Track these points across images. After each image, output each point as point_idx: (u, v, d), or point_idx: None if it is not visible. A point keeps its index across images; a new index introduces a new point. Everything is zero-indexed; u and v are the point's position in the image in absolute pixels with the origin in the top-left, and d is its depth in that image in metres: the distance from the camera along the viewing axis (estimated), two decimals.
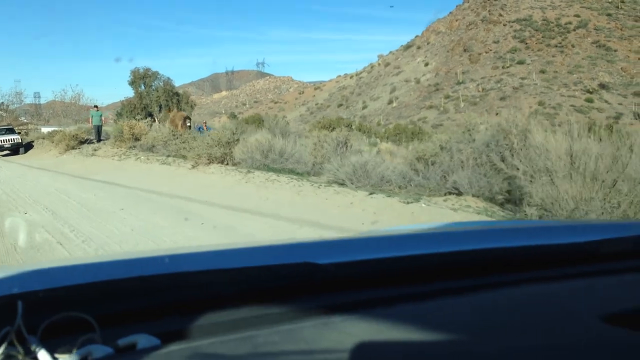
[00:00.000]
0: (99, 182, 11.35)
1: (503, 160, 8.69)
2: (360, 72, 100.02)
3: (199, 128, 17.70)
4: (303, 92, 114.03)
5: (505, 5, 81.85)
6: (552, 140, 6.37)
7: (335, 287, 0.85)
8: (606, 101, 55.56)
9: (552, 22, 73.36)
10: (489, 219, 6.59)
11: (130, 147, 16.66)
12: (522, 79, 64.23)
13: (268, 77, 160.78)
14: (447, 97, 67.59)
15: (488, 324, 0.76)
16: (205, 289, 0.80)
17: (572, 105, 54.89)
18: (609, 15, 70.62)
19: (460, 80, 70.48)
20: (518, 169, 8.65)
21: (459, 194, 8.22)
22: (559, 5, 76.54)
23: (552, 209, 5.87)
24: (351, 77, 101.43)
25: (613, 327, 0.72)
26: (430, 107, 67.03)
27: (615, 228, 1.29)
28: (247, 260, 0.86)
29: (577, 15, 72.40)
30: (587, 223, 2.15)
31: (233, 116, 61.19)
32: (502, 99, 61.11)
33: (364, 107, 78.83)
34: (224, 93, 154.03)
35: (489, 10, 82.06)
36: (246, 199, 8.20)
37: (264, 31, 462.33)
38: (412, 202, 7.16)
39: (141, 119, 23.38)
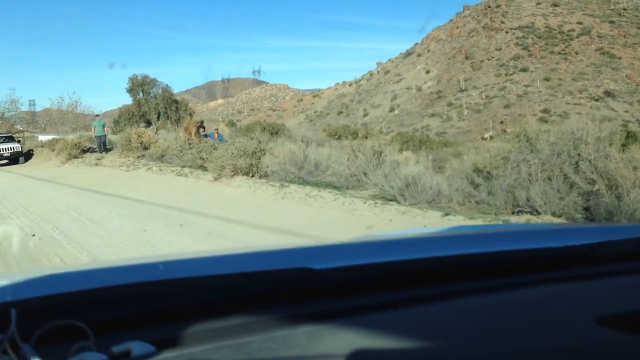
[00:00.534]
0: (109, 196, 10.26)
1: (577, 172, 7.70)
2: (360, 80, 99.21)
3: (211, 135, 16.57)
4: (302, 100, 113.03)
5: (507, 12, 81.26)
6: None
7: (331, 292, 0.82)
8: (612, 109, 54.92)
9: (555, 29, 72.79)
10: None
11: (139, 157, 15.60)
12: (526, 86, 63.42)
13: (264, 85, 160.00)
14: (449, 104, 66.71)
15: (486, 328, 0.75)
16: (199, 295, 0.77)
17: (578, 113, 54.15)
18: (611, 22, 70.18)
19: (463, 88, 69.65)
20: (595, 181, 7.68)
21: (533, 212, 7.19)
22: (561, 13, 75.97)
23: None
24: (350, 84, 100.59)
25: (612, 330, 0.73)
26: (433, 114, 66.13)
27: (613, 231, 1.30)
28: (242, 266, 0.83)
29: (580, 23, 71.84)
30: (586, 226, 2.16)
31: (232, 124, 60.20)
32: (507, 106, 60.33)
33: (365, 115, 77.86)
34: (220, 101, 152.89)
35: (491, 18, 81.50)
36: (289, 219, 7.12)
37: (260, 39, 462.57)
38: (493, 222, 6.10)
39: (145, 126, 22.39)
